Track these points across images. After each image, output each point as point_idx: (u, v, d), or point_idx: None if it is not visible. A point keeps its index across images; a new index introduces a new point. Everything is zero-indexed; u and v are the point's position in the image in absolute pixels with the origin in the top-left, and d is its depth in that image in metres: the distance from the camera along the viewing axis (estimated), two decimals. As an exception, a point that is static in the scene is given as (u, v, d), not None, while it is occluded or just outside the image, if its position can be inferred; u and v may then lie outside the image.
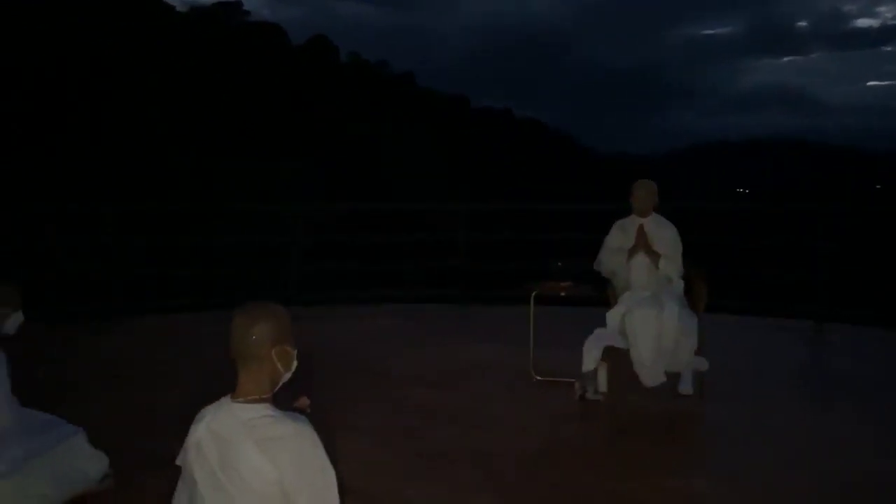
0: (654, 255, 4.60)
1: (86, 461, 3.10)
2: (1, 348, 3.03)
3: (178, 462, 1.90)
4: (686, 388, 4.55)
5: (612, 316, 4.55)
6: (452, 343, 6.14)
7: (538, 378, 4.92)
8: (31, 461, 2.96)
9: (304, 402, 2.19)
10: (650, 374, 4.33)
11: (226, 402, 1.87)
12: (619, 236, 4.80)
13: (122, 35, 30.57)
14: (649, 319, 4.31)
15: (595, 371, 4.55)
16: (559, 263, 5.12)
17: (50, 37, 26.24)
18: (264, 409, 1.84)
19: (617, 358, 4.53)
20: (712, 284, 4.79)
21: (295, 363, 1.93)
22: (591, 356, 4.44)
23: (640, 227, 4.67)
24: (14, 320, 3.09)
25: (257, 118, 33.95)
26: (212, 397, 1.90)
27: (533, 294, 5.10)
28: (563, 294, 5.07)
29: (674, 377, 4.49)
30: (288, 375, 1.93)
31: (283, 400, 1.94)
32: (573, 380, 4.62)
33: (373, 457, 3.55)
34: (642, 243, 4.62)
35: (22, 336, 3.17)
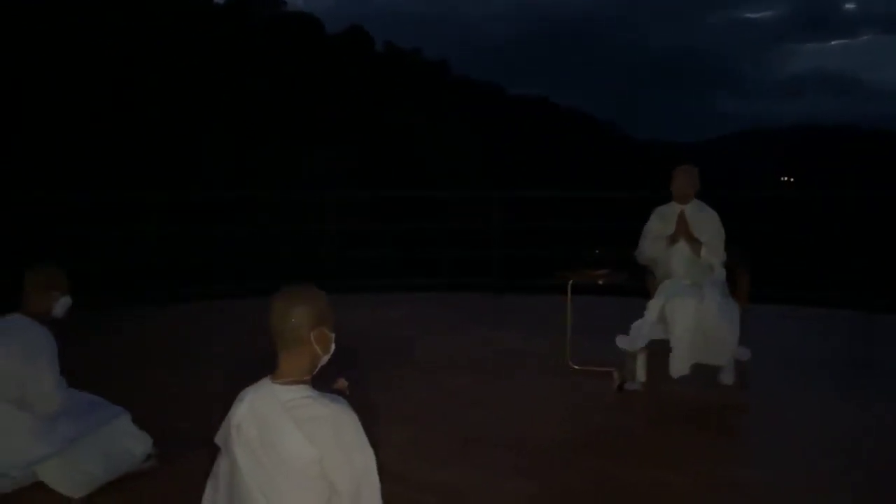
0: (696, 243, 4.51)
1: (131, 441, 3.19)
2: (50, 331, 3.13)
3: (217, 441, 1.94)
4: (727, 377, 4.46)
5: (652, 305, 4.47)
6: (487, 331, 6.13)
7: (575, 367, 4.88)
8: (79, 440, 3.06)
9: (342, 383, 2.20)
10: (680, 365, 4.25)
11: (266, 383, 1.90)
12: (658, 223, 4.71)
13: (162, 27, 31.09)
14: (689, 309, 4.23)
15: (634, 361, 4.50)
16: (597, 251, 5.06)
17: (97, 32, 26.85)
18: (303, 391, 1.86)
19: (657, 347, 4.46)
20: (756, 274, 4.68)
21: (333, 346, 1.95)
22: (629, 345, 4.38)
23: (681, 214, 4.58)
24: (63, 303, 3.17)
25: (294, 107, 34.26)
26: (250, 381, 1.92)
27: (569, 282, 5.04)
28: (600, 282, 5.00)
29: (715, 366, 4.40)
30: (326, 358, 1.95)
31: (321, 382, 1.95)
32: (611, 369, 4.56)
33: (408, 441, 3.56)
34: (683, 230, 4.53)
35: (67, 320, 3.27)
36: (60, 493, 2.95)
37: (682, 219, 4.55)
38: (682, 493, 3.14)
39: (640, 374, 4.52)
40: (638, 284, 4.90)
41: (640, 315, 4.50)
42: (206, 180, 21.36)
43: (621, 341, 4.45)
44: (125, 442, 3.17)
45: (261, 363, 1.95)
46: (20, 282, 3.15)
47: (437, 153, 36.69)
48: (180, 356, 5.26)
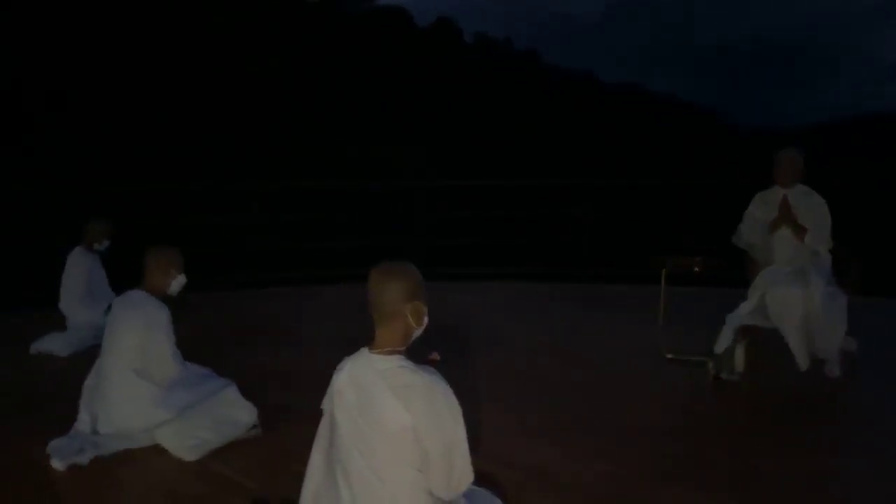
0: (799, 229, 4.29)
1: (238, 411, 3.40)
2: (166, 307, 3.38)
3: (322, 406, 2.05)
4: (832, 369, 4.24)
5: (752, 292, 4.31)
6: (578, 318, 6.09)
7: (668, 356, 4.77)
8: (192, 408, 3.29)
9: (434, 356, 2.28)
10: (802, 358, 4.08)
11: (364, 352, 2.00)
12: (760, 208, 4.52)
13: (257, 24, 32.39)
14: (793, 299, 4.05)
15: (732, 350, 4.35)
16: (696, 269, 4.87)
17: (189, 32, 28.30)
18: (398, 361, 1.95)
19: (755, 337, 4.30)
20: (872, 264, 4.41)
21: (426, 319, 2.02)
22: (726, 334, 4.24)
23: (784, 199, 4.37)
24: (178, 282, 3.43)
25: (385, 99, 34.90)
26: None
27: (663, 270, 4.93)
28: (696, 269, 4.87)
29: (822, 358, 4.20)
30: (420, 331, 2.02)
31: (415, 355, 2.03)
32: (706, 359, 4.44)
33: (496, 422, 3.61)
34: (786, 216, 4.32)
35: (181, 298, 3.52)
36: (176, 455, 3.19)
37: (785, 204, 4.35)
38: (775, 482, 3.03)
39: (739, 364, 4.36)
40: (734, 273, 4.72)
41: (736, 304, 4.35)
42: (304, 172, 22.12)
43: (721, 333, 4.31)
44: (233, 411, 3.39)
45: (354, 345, 2.05)
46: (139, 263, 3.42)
47: (527, 142, 36.44)
48: (281, 336, 5.52)
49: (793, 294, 4.06)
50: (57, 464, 3.06)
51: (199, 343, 4.13)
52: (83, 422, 3.34)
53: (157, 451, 3.24)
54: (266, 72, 30.19)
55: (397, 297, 1.95)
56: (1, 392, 4.16)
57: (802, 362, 4.09)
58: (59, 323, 5.18)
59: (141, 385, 3.27)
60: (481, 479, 2.13)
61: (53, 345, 4.89)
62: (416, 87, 36.81)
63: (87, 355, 4.07)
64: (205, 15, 29.99)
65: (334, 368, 2.03)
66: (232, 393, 3.45)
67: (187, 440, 3.20)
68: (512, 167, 29.39)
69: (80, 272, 5.16)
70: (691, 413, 3.90)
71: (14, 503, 2.80)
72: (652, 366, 4.67)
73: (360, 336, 2.11)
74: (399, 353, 1.97)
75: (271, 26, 33.23)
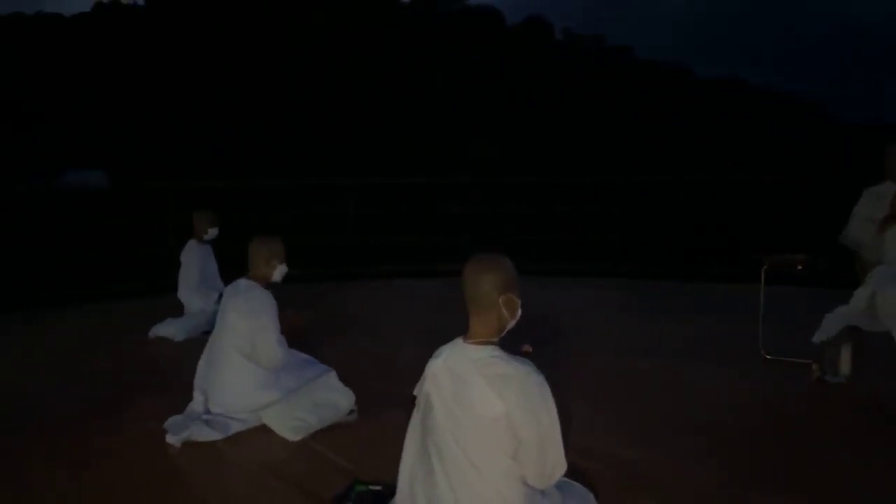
0: (914, 226, 4.04)
1: (337, 395, 3.58)
2: (271, 295, 3.59)
3: (415, 392, 2.15)
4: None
5: (860, 292, 4.09)
6: (673, 317, 5.96)
7: (768, 356, 4.61)
8: (296, 391, 3.49)
9: (527, 348, 2.33)
10: None
11: (459, 342, 2.08)
12: (870, 205, 4.27)
13: (354, 26, 33.31)
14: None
15: (837, 352, 4.15)
16: (799, 266, 4.65)
17: (291, 36, 29.45)
18: (492, 351, 2.01)
19: (862, 339, 4.08)
20: None
21: (520, 311, 2.07)
22: (829, 327, 4.05)
23: (896, 195, 4.12)
24: (280, 271, 3.63)
25: (476, 97, 35.07)
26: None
27: (764, 268, 4.76)
28: (799, 268, 4.67)
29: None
30: (513, 323, 2.08)
31: (509, 346, 2.09)
32: (810, 361, 4.26)
33: (592, 419, 3.61)
34: (899, 212, 4.08)
35: (283, 287, 3.73)
36: (280, 435, 3.40)
37: (897, 200, 4.10)
38: (883, 487, 2.89)
39: (845, 367, 4.16)
40: (839, 273, 4.50)
41: (840, 306, 4.14)
42: (390, 167, 22.64)
43: (823, 325, 4.12)
44: (332, 396, 3.56)
45: (446, 335, 2.13)
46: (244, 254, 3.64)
47: (620, 138, 35.67)
48: (375, 326, 5.72)
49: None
50: (172, 440, 3.31)
51: (299, 331, 4.33)
52: (197, 401, 3.58)
53: (263, 431, 3.45)
54: (361, 72, 31.04)
55: (491, 289, 2.00)
56: (122, 373, 4.54)
57: None
58: (176, 310, 5.58)
59: (249, 368, 3.49)
60: (573, 473, 2.17)
61: (170, 330, 5.28)
62: (507, 85, 36.76)
63: (200, 340, 4.36)
64: (306, 18, 31.20)
65: (427, 358, 2.11)
66: (332, 379, 3.63)
67: (290, 421, 3.39)
68: (603, 163, 28.85)
69: (193, 263, 5.54)
70: (793, 417, 3.76)
71: (133, 476, 3.04)
72: (750, 367, 4.52)
73: (451, 328, 2.18)
74: (493, 343, 2.03)
75: (367, 27, 34.12)
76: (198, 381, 3.66)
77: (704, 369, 4.55)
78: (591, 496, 2.30)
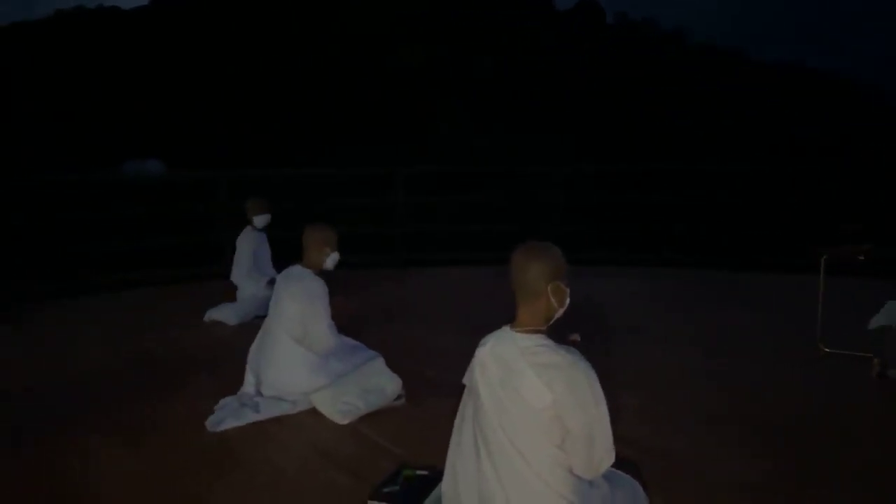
0: None
1: (385, 381, 3.62)
2: (323, 281, 3.65)
3: (464, 381, 2.15)
4: None
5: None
6: (725, 308, 5.82)
7: (826, 350, 4.46)
8: (344, 376, 3.55)
9: (575, 337, 2.31)
10: None
11: (506, 330, 2.07)
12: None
13: (395, 14, 33.40)
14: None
15: (900, 346, 3.99)
16: (861, 257, 4.46)
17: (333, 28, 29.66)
18: (540, 339, 2.00)
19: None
20: None
21: (568, 300, 2.04)
22: (887, 317, 3.89)
23: (970, 182, 3.93)
24: (332, 258, 3.69)
25: (526, 84, 34.75)
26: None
27: (823, 258, 4.59)
28: (861, 258, 4.49)
29: None
30: (561, 311, 2.05)
31: (556, 335, 2.07)
32: (870, 355, 4.10)
33: (636, 407, 3.57)
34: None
35: (334, 274, 3.78)
36: (329, 418, 3.46)
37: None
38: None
39: (909, 362, 4.00)
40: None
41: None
42: (436, 155, 22.66)
43: (881, 311, 3.97)
44: (380, 381, 3.61)
45: (495, 323, 2.12)
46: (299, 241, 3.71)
47: (672, 125, 34.85)
48: (423, 313, 5.75)
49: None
50: (212, 427, 3.38)
51: (349, 317, 4.40)
52: (249, 383, 3.68)
53: (313, 414, 3.51)
54: (405, 61, 31.12)
55: (539, 277, 1.98)
56: (176, 354, 4.68)
57: None
58: (230, 294, 5.72)
59: (300, 352, 3.57)
60: (621, 464, 2.14)
61: (224, 314, 5.41)
62: (559, 72, 36.32)
63: (253, 325, 4.47)
64: (348, 9, 31.43)
65: (476, 346, 2.10)
66: (379, 364, 3.68)
67: (339, 405, 3.45)
68: (652, 151, 28.29)
69: (247, 249, 5.66)
70: (854, 413, 3.63)
71: (187, 456, 3.13)
72: (807, 360, 4.39)
73: (500, 316, 2.17)
74: (541, 332, 2.01)
75: (409, 16, 34.16)
76: (250, 363, 3.75)
77: (756, 361, 4.43)
78: (639, 488, 2.26)
